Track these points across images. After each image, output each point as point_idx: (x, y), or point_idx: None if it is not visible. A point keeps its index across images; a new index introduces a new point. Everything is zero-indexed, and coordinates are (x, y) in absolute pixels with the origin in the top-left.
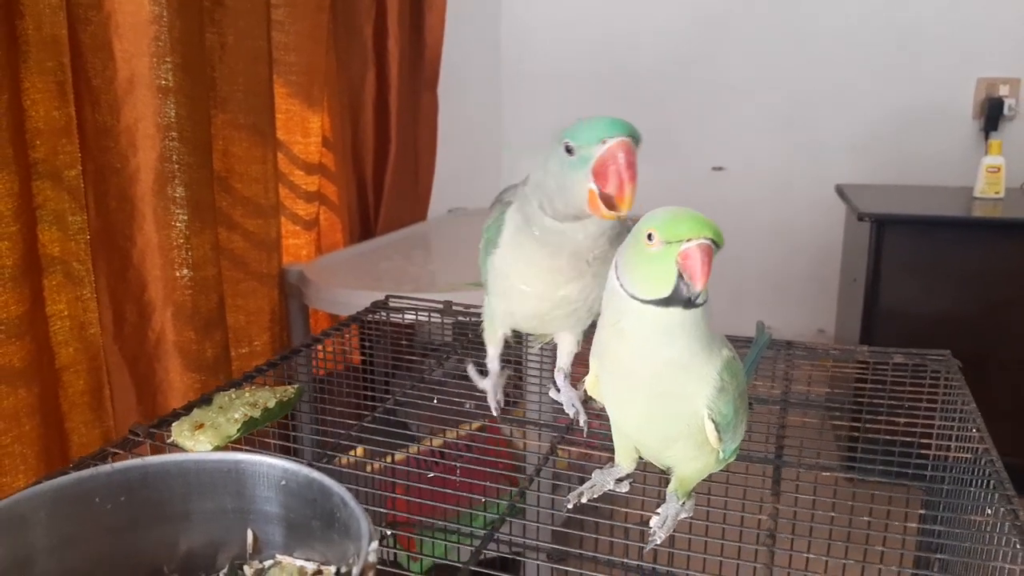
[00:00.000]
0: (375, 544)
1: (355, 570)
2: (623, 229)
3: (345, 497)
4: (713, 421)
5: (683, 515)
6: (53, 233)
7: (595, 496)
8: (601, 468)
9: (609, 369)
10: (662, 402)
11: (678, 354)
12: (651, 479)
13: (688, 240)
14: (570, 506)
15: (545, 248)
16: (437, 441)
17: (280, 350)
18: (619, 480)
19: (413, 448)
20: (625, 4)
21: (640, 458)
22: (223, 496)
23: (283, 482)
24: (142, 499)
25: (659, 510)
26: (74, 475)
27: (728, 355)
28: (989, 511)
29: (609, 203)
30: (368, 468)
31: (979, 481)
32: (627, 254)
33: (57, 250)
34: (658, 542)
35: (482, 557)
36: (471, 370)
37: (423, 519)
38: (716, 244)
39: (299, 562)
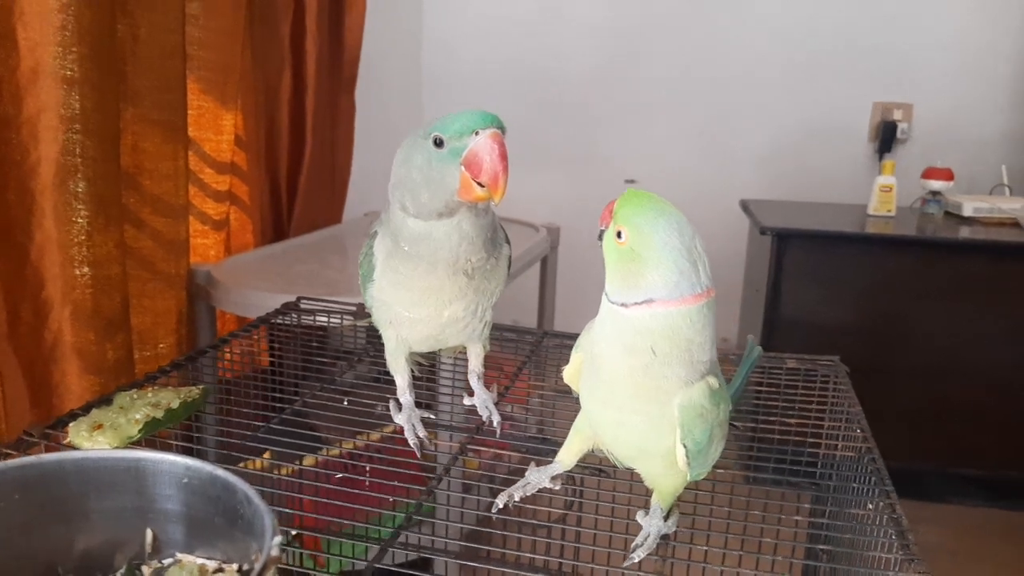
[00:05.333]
0: (279, 539)
1: (257, 565)
2: (497, 234)
3: (249, 494)
4: (684, 446)
5: (666, 531)
6: None
7: (528, 495)
8: (537, 467)
9: (590, 364)
10: (635, 410)
11: (648, 366)
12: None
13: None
14: (500, 504)
15: (420, 265)
16: (347, 445)
17: (186, 353)
18: (553, 478)
19: (321, 453)
20: (546, 16)
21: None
22: (123, 495)
23: (185, 480)
24: (38, 498)
25: (640, 520)
26: None
27: (713, 383)
28: (870, 505)
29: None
30: (275, 473)
31: (862, 478)
32: (607, 260)
33: None
34: (637, 560)
35: (390, 562)
36: (392, 406)
37: (331, 524)
38: None
39: (200, 560)
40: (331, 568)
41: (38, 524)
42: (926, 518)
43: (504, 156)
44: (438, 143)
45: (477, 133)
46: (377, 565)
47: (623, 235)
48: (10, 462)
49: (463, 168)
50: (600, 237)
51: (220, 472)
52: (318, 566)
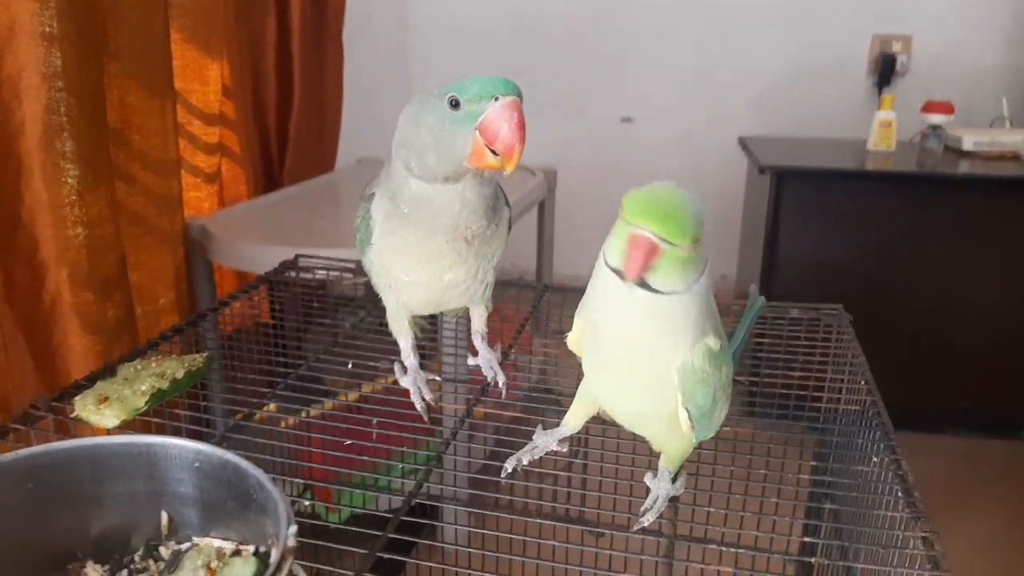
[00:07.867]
0: (294, 528)
1: (274, 555)
2: (498, 201)
3: (261, 479)
4: (687, 410)
5: (674, 493)
6: None
7: (535, 458)
8: (544, 430)
9: (590, 331)
10: (635, 377)
11: (651, 331)
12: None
13: None
14: (509, 469)
15: (419, 230)
16: (353, 396)
17: (186, 307)
18: (560, 440)
19: (328, 404)
20: None
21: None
22: (135, 479)
23: (196, 464)
24: (51, 485)
25: (649, 483)
26: None
27: (713, 344)
28: (875, 460)
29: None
30: (283, 424)
31: (866, 432)
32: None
33: None
34: (647, 524)
35: (387, 508)
36: (397, 369)
37: (340, 474)
38: None
39: (216, 542)
40: (342, 515)
41: (53, 510)
42: (920, 449)
43: (522, 126)
44: (454, 104)
45: (496, 99)
46: (383, 513)
47: (684, 248)
48: (20, 452)
49: (477, 133)
50: (643, 285)
51: (231, 457)
52: (329, 513)
